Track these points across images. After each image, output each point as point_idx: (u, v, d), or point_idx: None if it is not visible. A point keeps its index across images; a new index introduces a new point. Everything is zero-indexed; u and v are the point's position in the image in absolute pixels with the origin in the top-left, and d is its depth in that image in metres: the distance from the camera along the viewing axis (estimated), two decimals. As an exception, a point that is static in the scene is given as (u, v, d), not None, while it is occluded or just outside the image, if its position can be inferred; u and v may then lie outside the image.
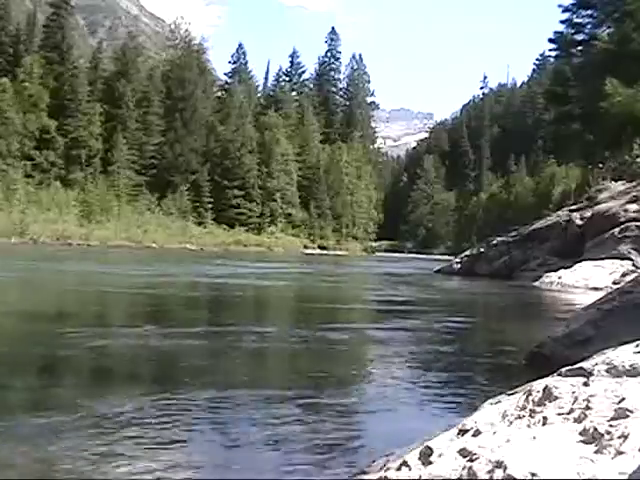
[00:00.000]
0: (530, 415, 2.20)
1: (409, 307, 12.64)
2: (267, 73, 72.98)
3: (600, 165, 26.74)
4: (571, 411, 2.10)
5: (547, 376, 2.56)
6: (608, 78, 11.40)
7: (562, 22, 18.66)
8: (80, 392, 4.24)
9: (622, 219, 19.59)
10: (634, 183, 21.18)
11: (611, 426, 1.86)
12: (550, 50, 21.97)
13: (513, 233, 24.22)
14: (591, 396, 2.13)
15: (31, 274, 14.44)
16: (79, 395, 4.07)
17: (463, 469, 1.86)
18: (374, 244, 71.77)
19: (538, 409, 2.21)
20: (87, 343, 5.77)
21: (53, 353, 5.50)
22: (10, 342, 6.09)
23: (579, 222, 21.49)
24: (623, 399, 2.03)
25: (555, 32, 19.79)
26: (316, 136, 67.63)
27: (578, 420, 2.02)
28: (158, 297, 11.24)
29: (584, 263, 18.43)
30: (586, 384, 2.29)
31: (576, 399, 2.16)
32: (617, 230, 19.35)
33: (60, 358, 5.36)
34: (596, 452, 1.77)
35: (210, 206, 53.55)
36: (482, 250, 24.41)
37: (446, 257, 40.50)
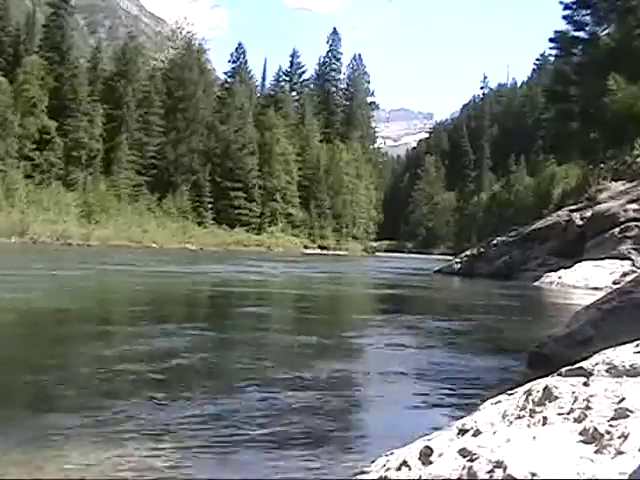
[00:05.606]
0: (530, 415, 2.20)
1: (408, 307, 12.65)
2: (264, 72, 73.07)
3: (601, 165, 26.76)
4: (571, 411, 2.10)
5: (547, 376, 2.56)
6: (612, 74, 11.43)
7: (564, 18, 18.68)
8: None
9: (622, 219, 19.57)
10: (634, 183, 21.17)
11: (611, 426, 1.86)
12: (551, 48, 21.98)
13: (513, 233, 24.20)
14: (591, 396, 2.13)
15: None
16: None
17: (463, 469, 1.86)
18: (374, 244, 71.86)
19: (538, 409, 2.21)
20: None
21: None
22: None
23: (579, 222, 21.48)
24: (623, 399, 2.03)
25: (556, 31, 19.80)
26: (316, 136, 67.65)
27: (578, 420, 2.02)
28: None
29: (584, 263, 18.41)
30: (586, 384, 2.29)
31: (576, 399, 2.16)
32: (617, 230, 19.33)
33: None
34: (596, 452, 1.77)
35: (210, 206, 53.59)
36: (482, 250, 24.40)
37: (446, 257, 40.51)
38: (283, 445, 3.27)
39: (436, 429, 2.48)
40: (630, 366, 2.39)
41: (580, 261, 18.72)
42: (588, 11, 19.40)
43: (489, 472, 1.77)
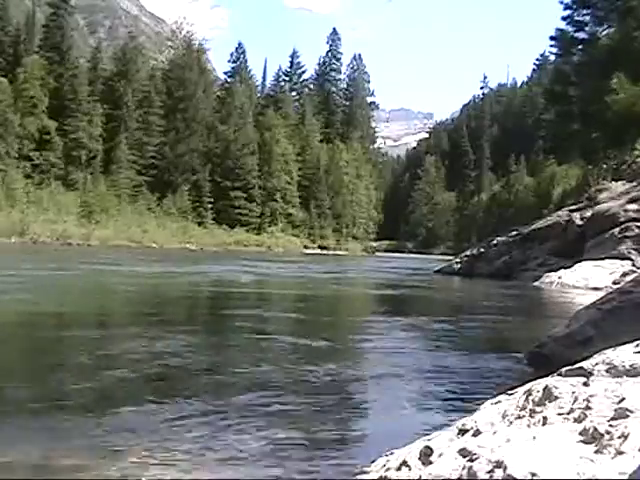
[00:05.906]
0: (530, 415, 2.20)
1: (408, 307, 12.65)
2: (265, 72, 73.01)
3: (603, 165, 26.75)
4: (571, 411, 2.10)
5: (547, 376, 2.56)
6: (616, 74, 11.37)
7: (563, 19, 18.62)
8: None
9: (622, 219, 19.57)
10: (634, 183, 21.17)
11: (611, 426, 1.86)
12: (551, 46, 21.87)
13: (513, 233, 24.20)
14: (591, 396, 2.13)
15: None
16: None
17: (463, 469, 1.86)
18: (374, 244, 71.82)
19: (538, 409, 2.21)
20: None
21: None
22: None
23: (579, 222, 21.48)
24: (623, 399, 2.03)
25: (556, 29, 19.71)
26: (316, 136, 67.60)
27: (578, 420, 2.02)
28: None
29: (584, 263, 18.41)
30: (586, 384, 2.29)
31: (576, 399, 2.16)
32: (617, 230, 19.33)
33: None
34: (596, 452, 1.77)
35: (210, 206, 53.55)
36: (482, 250, 24.40)
37: (446, 257, 40.49)
38: (283, 445, 3.27)
39: (436, 429, 2.48)
40: (630, 366, 2.39)
41: (580, 261, 18.72)
42: (588, 11, 19.36)
43: (489, 472, 1.77)
